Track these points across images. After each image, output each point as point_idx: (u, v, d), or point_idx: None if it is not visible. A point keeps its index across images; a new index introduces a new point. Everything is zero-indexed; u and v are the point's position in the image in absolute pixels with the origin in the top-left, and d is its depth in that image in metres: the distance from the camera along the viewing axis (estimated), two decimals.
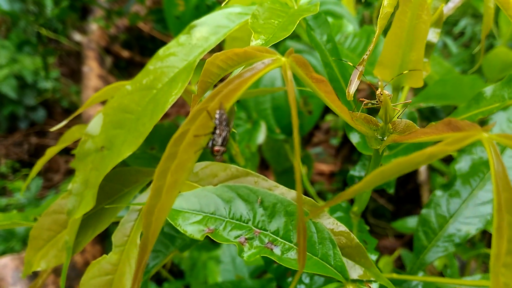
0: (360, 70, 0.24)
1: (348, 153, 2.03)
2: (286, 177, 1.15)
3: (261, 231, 0.28)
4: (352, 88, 0.23)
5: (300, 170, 0.16)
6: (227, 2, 0.40)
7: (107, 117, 0.32)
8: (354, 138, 0.36)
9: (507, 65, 0.91)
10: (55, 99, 2.47)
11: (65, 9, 1.34)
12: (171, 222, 0.29)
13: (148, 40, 2.84)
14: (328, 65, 0.35)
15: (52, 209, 0.34)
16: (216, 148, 0.17)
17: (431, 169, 1.25)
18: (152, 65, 0.33)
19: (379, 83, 0.21)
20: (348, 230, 0.27)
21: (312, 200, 0.29)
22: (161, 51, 0.33)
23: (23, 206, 1.89)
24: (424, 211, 0.44)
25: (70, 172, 2.40)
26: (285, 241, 0.28)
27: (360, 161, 0.41)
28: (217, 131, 0.16)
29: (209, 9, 0.97)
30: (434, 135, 0.17)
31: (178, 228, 0.28)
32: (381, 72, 0.33)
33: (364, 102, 0.23)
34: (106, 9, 1.39)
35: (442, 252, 0.43)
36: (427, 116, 0.93)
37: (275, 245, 0.28)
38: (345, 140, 1.96)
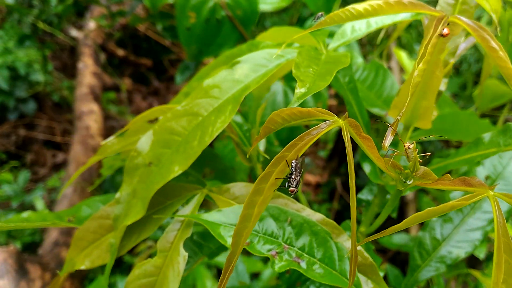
0: (394, 126, 0.30)
1: (336, 166, 2.10)
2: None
3: (289, 246, 0.34)
4: (387, 142, 0.29)
5: (354, 211, 0.21)
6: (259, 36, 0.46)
7: (155, 136, 0.38)
8: (367, 168, 0.42)
9: (497, 96, 0.99)
10: (46, 92, 2.49)
11: (69, 6, 1.38)
12: (213, 233, 0.34)
13: (143, 40, 2.88)
14: (349, 103, 0.41)
15: (99, 214, 0.39)
16: (291, 189, 0.22)
17: (418, 189, 1.31)
18: (196, 94, 0.38)
19: (407, 144, 0.26)
20: (363, 250, 0.33)
21: (334, 222, 0.34)
22: (205, 83, 0.38)
23: (9, 198, 1.90)
24: (420, 233, 0.50)
25: (57, 167, 2.42)
26: (309, 256, 0.33)
27: (367, 186, 0.47)
28: (293, 176, 0.22)
29: (218, 23, 1.03)
30: (450, 186, 0.23)
31: (220, 240, 0.33)
32: (395, 114, 0.39)
33: (395, 154, 0.28)
34: (109, 9, 1.43)
35: (434, 272, 0.49)
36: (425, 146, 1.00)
37: (301, 259, 0.33)
38: (334, 153, 2.03)
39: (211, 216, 0.35)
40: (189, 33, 1.02)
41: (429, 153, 0.26)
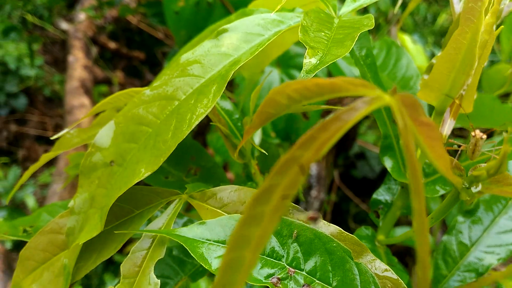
0: (456, 106, 0.20)
1: (333, 158, 2.01)
2: None
3: (296, 270, 0.25)
4: (446, 129, 0.19)
5: (425, 221, 0.12)
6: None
7: (118, 127, 0.28)
8: (388, 163, 0.33)
9: (506, 81, 0.90)
10: (37, 87, 2.38)
11: None
12: (193, 254, 0.25)
13: (135, 33, 2.77)
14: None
15: (49, 227, 0.30)
16: (311, 215, 0.12)
17: None
18: (172, 72, 0.29)
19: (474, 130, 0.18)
20: (397, 277, 0.24)
21: (355, 237, 0.25)
22: (183, 57, 0.29)
23: (0, 195, 1.80)
24: (445, 237, 0.41)
25: (49, 162, 2.32)
26: (323, 283, 0.24)
27: (384, 184, 0.38)
28: (313, 192, 0.12)
29: (210, 6, 0.93)
30: None
31: (203, 262, 0.24)
32: (426, 95, 0.30)
33: (461, 148, 0.19)
34: (98, 0, 1.33)
35: (461, 282, 0.40)
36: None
37: None
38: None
39: (191, 231, 0.25)
40: (177, 18, 0.91)
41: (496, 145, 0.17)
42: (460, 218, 0.41)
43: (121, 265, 0.26)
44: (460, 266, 0.41)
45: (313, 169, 0.16)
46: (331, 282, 0.24)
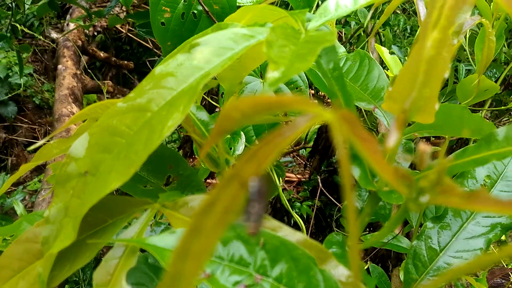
0: (398, 122, 0.21)
1: (317, 164, 2.03)
2: None
3: (263, 277, 0.25)
4: (392, 141, 0.20)
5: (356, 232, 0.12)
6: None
7: (93, 138, 0.28)
8: (356, 172, 0.33)
9: (481, 91, 0.92)
10: (26, 95, 2.36)
11: (44, 6, 1.27)
12: (163, 265, 0.25)
13: (125, 42, 2.77)
14: (334, 94, 0.32)
15: (25, 236, 0.30)
16: (251, 230, 0.12)
17: None
18: (147, 84, 0.29)
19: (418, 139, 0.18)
20: (360, 283, 0.24)
21: (319, 245, 0.25)
22: (157, 70, 0.29)
23: None
24: (415, 243, 0.42)
25: (37, 169, 2.29)
26: None
27: (355, 192, 0.39)
28: (252, 206, 0.12)
29: (195, 17, 0.93)
30: (491, 208, 0.14)
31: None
32: (390, 106, 0.30)
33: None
34: (86, 9, 1.32)
35: (429, 287, 0.41)
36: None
37: None
38: (314, 151, 1.96)
39: (161, 240, 0.25)
40: (163, 29, 0.92)
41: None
42: (429, 224, 0.42)
43: (94, 273, 0.26)
44: (429, 270, 0.41)
45: (252, 183, 0.16)
46: (296, 287, 0.24)
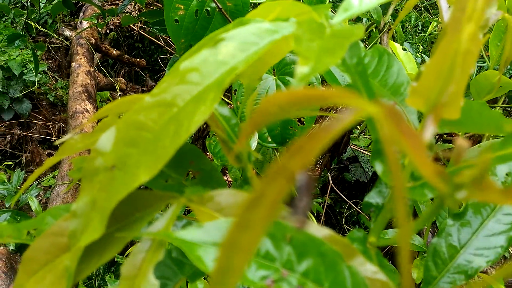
0: (434, 118, 0.21)
1: (327, 161, 2.02)
2: None
3: (289, 272, 0.25)
4: (428, 134, 0.20)
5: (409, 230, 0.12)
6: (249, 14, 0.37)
7: (119, 133, 0.28)
8: (379, 167, 0.33)
9: (494, 87, 0.91)
10: (41, 92, 2.38)
11: (58, 5, 1.28)
12: (189, 257, 0.25)
13: (137, 40, 2.78)
14: (357, 90, 0.31)
15: (52, 230, 0.30)
16: (299, 224, 0.12)
17: None
18: (172, 79, 0.29)
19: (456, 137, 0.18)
20: (386, 279, 0.24)
21: (346, 240, 0.25)
22: (182, 65, 0.29)
23: (3, 197, 1.80)
24: (435, 240, 0.41)
25: (52, 166, 2.31)
26: (315, 285, 0.24)
27: (375, 188, 0.38)
28: (299, 202, 0.12)
29: (209, 15, 0.93)
30: None
31: (199, 264, 0.24)
32: (415, 101, 0.30)
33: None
34: (101, 8, 1.33)
35: (450, 284, 0.40)
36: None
37: None
38: (325, 149, 1.95)
39: (189, 234, 0.25)
40: (177, 26, 0.92)
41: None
42: (450, 221, 0.42)
43: (121, 266, 0.26)
44: (449, 268, 0.41)
45: (300, 178, 0.16)
46: (323, 283, 0.24)
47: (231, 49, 0.29)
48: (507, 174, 0.44)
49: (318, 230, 0.26)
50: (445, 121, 0.51)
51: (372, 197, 0.38)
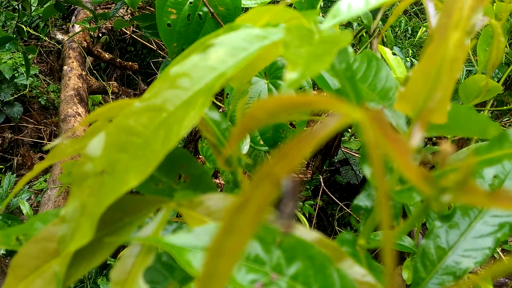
0: (422, 124, 0.21)
1: (319, 164, 2.03)
2: None
3: (279, 275, 0.25)
4: (416, 140, 0.20)
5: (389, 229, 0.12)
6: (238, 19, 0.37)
7: (109, 138, 0.28)
8: (367, 171, 0.33)
9: (482, 91, 0.92)
10: (32, 95, 2.36)
11: (50, 8, 1.27)
12: (178, 261, 0.25)
13: (129, 43, 2.77)
14: (346, 95, 0.32)
15: (41, 235, 0.29)
16: (285, 229, 0.12)
17: None
18: (162, 84, 0.29)
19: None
20: (375, 282, 0.24)
21: (335, 244, 0.25)
22: (172, 70, 0.29)
23: None
24: (423, 241, 0.42)
25: (44, 170, 2.29)
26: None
27: (364, 191, 0.38)
28: (285, 207, 0.12)
29: (201, 19, 0.93)
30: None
31: (188, 269, 0.24)
32: (403, 106, 0.30)
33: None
34: (93, 12, 1.32)
35: (439, 285, 0.41)
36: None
37: None
38: (316, 152, 1.96)
39: (178, 239, 0.25)
40: (170, 30, 0.92)
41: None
42: (438, 223, 0.42)
43: (111, 271, 0.26)
44: (438, 269, 0.41)
45: (287, 183, 0.16)
46: (312, 286, 0.24)
47: (221, 54, 0.29)
48: (494, 177, 0.45)
49: (307, 234, 0.26)
50: (433, 125, 0.52)
51: (361, 200, 0.38)
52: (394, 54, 1.65)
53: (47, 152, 2.43)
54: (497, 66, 0.57)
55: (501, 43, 0.46)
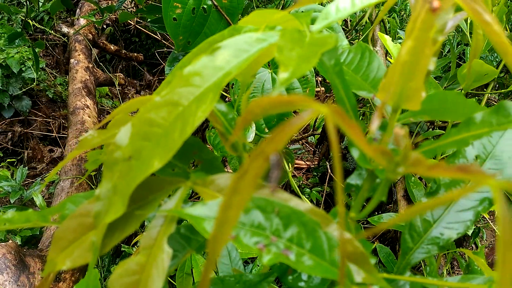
0: (379, 109, 0.27)
1: (326, 151, 2.08)
2: None
3: (277, 238, 0.31)
4: (375, 126, 0.26)
5: (343, 208, 0.18)
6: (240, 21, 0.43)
7: (134, 129, 0.34)
8: (355, 153, 0.39)
9: (480, 75, 0.96)
10: (40, 89, 2.44)
11: (57, 3, 1.33)
12: (196, 228, 0.31)
13: (133, 34, 2.82)
14: (335, 87, 0.37)
15: (78, 212, 0.36)
16: (272, 189, 0.18)
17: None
18: (178, 82, 0.35)
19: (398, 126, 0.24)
20: (354, 239, 0.30)
21: (323, 211, 0.31)
22: (186, 70, 0.35)
23: (7, 193, 1.86)
24: None
25: (54, 162, 2.38)
26: (298, 248, 0.31)
27: (356, 171, 0.44)
28: (272, 174, 0.18)
29: (205, 12, 0.99)
30: (446, 174, 0.20)
31: (205, 234, 0.30)
32: (382, 96, 0.36)
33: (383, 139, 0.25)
34: (98, 5, 1.38)
35: (426, 254, 0.47)
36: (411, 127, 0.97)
37: (290, 251, 0.30)
38: (323, 138, 2.01)
39: (195, 210, 0.32)
40: (175, 24, 0.97)
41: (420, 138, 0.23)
42: (424, 199, 0.48)
43: (140, 239, 0.33)
44: (424, 240, 0.47)
45: (274, 158, 0.20)
46: (304, 246, 0.30)
47: (226, 56, 0.35)
48: (476, 157, 0.50)
49: (300, 204, 0.32)
50: (425, 110, 0.57)
51: (353, 179, 0.44)
52: (399, 38, 1.68)
53: (56, 144, 2.50)
54: (478, 56, 0.62)
55: (479, 35, 0.51)
